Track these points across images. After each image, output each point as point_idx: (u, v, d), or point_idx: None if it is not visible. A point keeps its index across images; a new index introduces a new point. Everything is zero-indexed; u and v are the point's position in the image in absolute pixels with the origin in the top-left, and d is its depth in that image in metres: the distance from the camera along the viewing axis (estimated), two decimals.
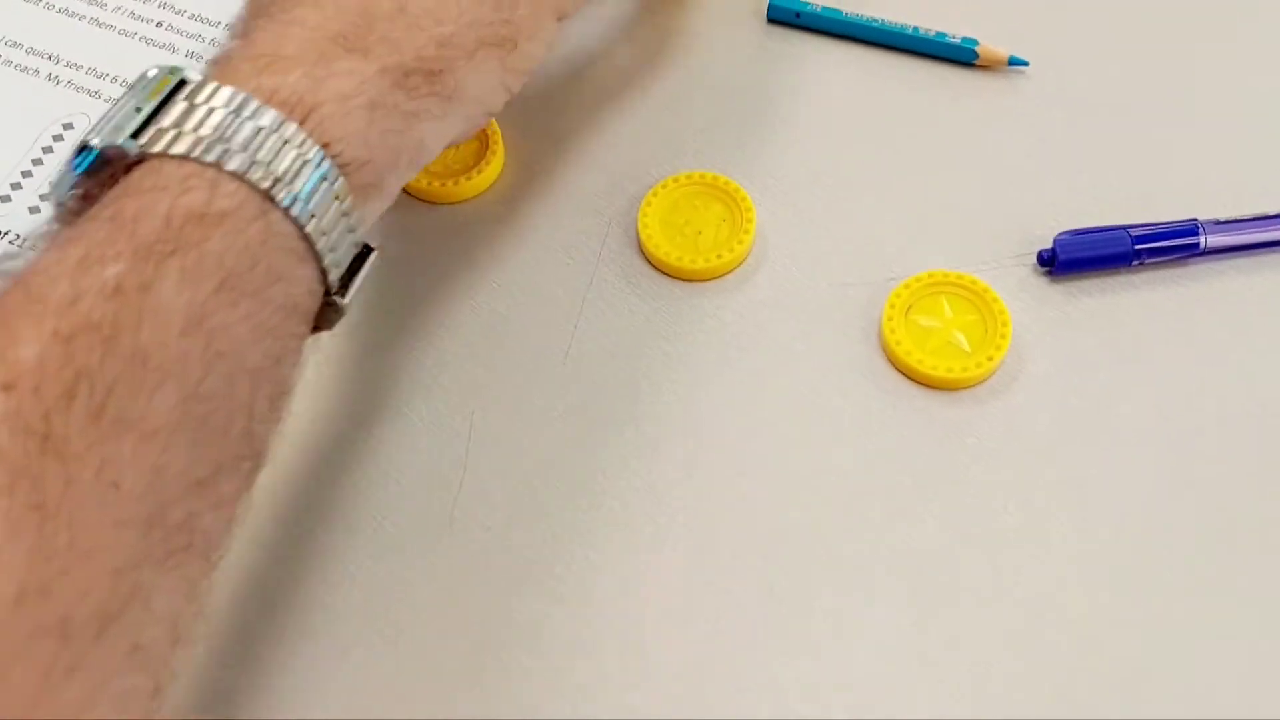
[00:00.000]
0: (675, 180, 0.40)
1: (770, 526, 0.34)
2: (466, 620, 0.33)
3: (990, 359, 0.35)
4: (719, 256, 0.38)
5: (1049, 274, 0.38)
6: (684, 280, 0.39)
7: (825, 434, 0.35)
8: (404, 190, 0.41)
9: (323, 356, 0.37)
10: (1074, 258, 0.38)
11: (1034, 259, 0.38)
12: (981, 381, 0.36)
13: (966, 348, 0.36)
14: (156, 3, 0.46)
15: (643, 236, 0.39)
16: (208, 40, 0.45)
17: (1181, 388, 0.36)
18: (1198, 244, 0.38)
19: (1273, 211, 0.38)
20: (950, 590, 0.33)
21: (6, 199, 0.41)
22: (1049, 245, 0.38)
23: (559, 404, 0.36)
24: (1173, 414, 0.35)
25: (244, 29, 0.29)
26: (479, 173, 0.40)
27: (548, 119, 0.42)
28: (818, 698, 0.31)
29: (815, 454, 0.35)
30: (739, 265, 0.39)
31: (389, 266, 0.38)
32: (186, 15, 0.46)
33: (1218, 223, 0.38)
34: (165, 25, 0.46)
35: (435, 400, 0.36)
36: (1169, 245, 0.38)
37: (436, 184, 0.40)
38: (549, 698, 0.31)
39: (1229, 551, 0.33)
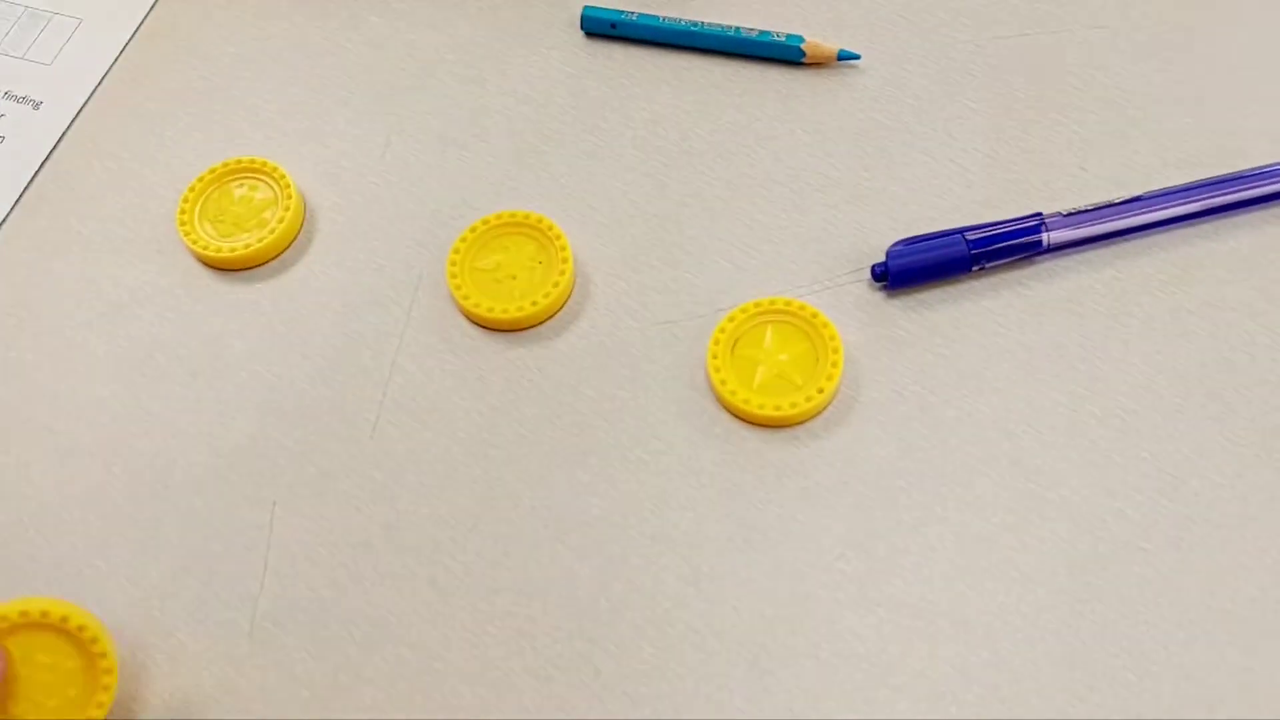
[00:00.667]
0: (485, 222, 0.37)
1: (595, 597, 0.31)
2: None
3: (821, 391, 0.33)
4: (533, 303, 0.35)
5: (884, 289, 0.36)
6: (500, 330, 0.36)
7: (653, 490, 0.33)
8: (194, 254, 0.38)
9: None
10: (907, 269, 0.35)
11: (868, 274, 0.36)
12: (815, 415, 0.33)
13: (798, 380, 0.33)
14: None
15: (452, 287, 0.36)
16: None
17: (1030, 401, 0.33)
18: (1040, 242, 0.35)
19: (1119, 199, 0.36)
20: (788, 654, 0.30)
21: None
22: (884, 258, 0.35)
23: (366, 484, 0.33)
24: (1020, 432, 0.33)
25: None
26: (272, 233, 0.37)
27: (344, 166, 0.39)
28: None
29: (643, 513, 0.32)
30: (558, 310, 0.36)
31: (185, 340, 0.36)
32: None
33: (1062, 216, 0.36)
34: None
35: (232, 491, 0.34)
36: (1009, 245, 0.35)
37: (226, 249, 0.37)
38: None
39: (1097, 574, 0.31)
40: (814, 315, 0.34)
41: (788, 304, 0.34)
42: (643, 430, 0.34)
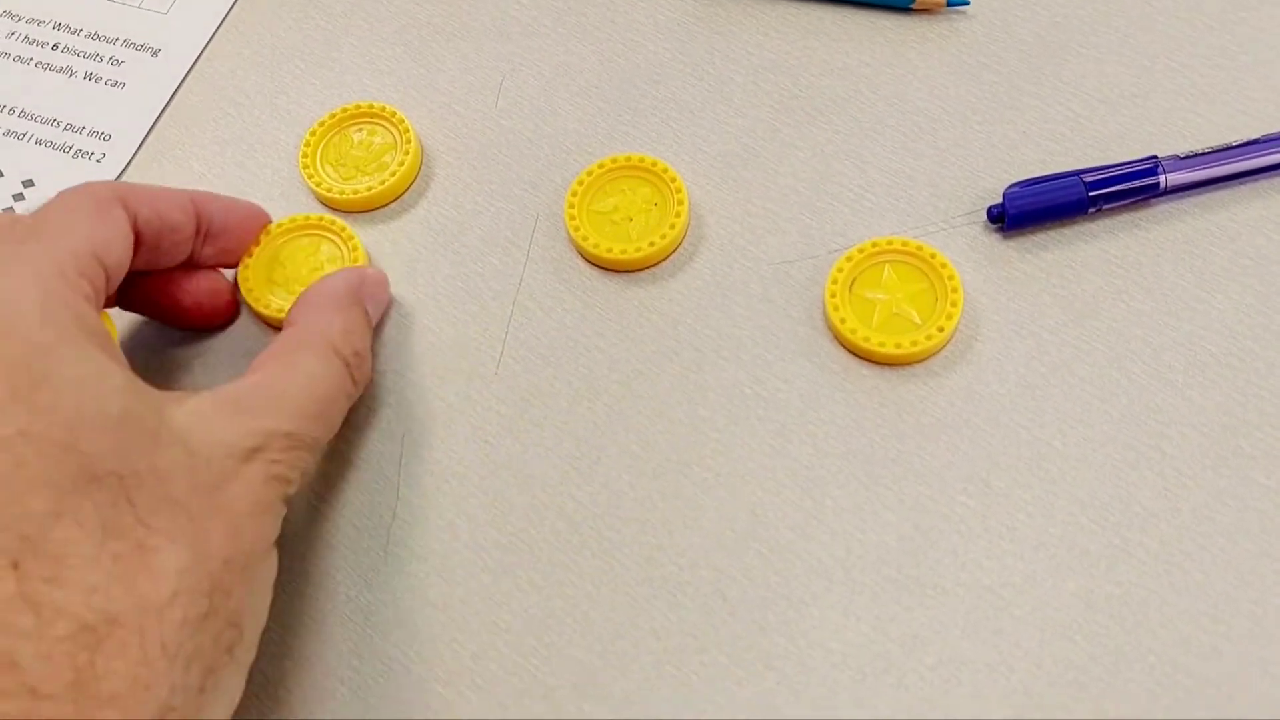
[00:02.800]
0: (601, 165, 0.37)
1: (720, 528, 0.32)
2: (408, 657, 0.31)
3: (941, 330, 0.33)
4: (651, 244, 0.36)
5: (1000, 231, 0.36)
6: (618, 271, 0.36)
7: (773, 426, 0.33)
8: (320, 201, 0.39)
9: None
10: (1024, 210, 0.35)
11: (984, 216, 0.36)
12: (934, 354, 0.34)
13: (916, 319, 0.34)
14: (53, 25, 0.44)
15: (570, 229, 0.37)
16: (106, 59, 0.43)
17: (1148, 342, 0.34)
18: (1158, 184, 0.35)
19: (1236, 141, 0.36)
20: (912, 584, 0.31)
21: None
22: (999, 200, 0.36)
23: (493, 418, 0.34)
24: (1139, 372, 0.33)
25: None
26: (393, 175, 0.38)
27: (458, 111, 0.40)
28: (775, 706, 0.30)
29: (764, 448, 0.33)
30: (674, 251, 0.37)
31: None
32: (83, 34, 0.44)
33: (1178, 159, 0.36)
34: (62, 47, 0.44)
35: (362, 424, 0.35)
36: (1127, 188, 0.35)
37: (349, 191, 0.38)
38: None
39: (1206, 520, 0.31)
40: (932, 255, 0.34)
41: (905, 244, 0.35)
42: (761, 368, 0.34)
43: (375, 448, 0.34)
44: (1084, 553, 0.31)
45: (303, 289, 0.35)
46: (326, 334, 0.32)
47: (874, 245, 0.35)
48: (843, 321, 0.34)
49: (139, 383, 0.27)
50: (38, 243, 0.28)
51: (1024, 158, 0.37)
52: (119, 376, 0.26)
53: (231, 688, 0.26)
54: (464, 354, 0.36)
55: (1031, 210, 0.35)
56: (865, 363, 0.34)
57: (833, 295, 0.34)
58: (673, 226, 0.36)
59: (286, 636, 0.32)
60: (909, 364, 0.34)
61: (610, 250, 0.36)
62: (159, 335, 0.37)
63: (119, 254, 0.30)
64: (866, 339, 0.33)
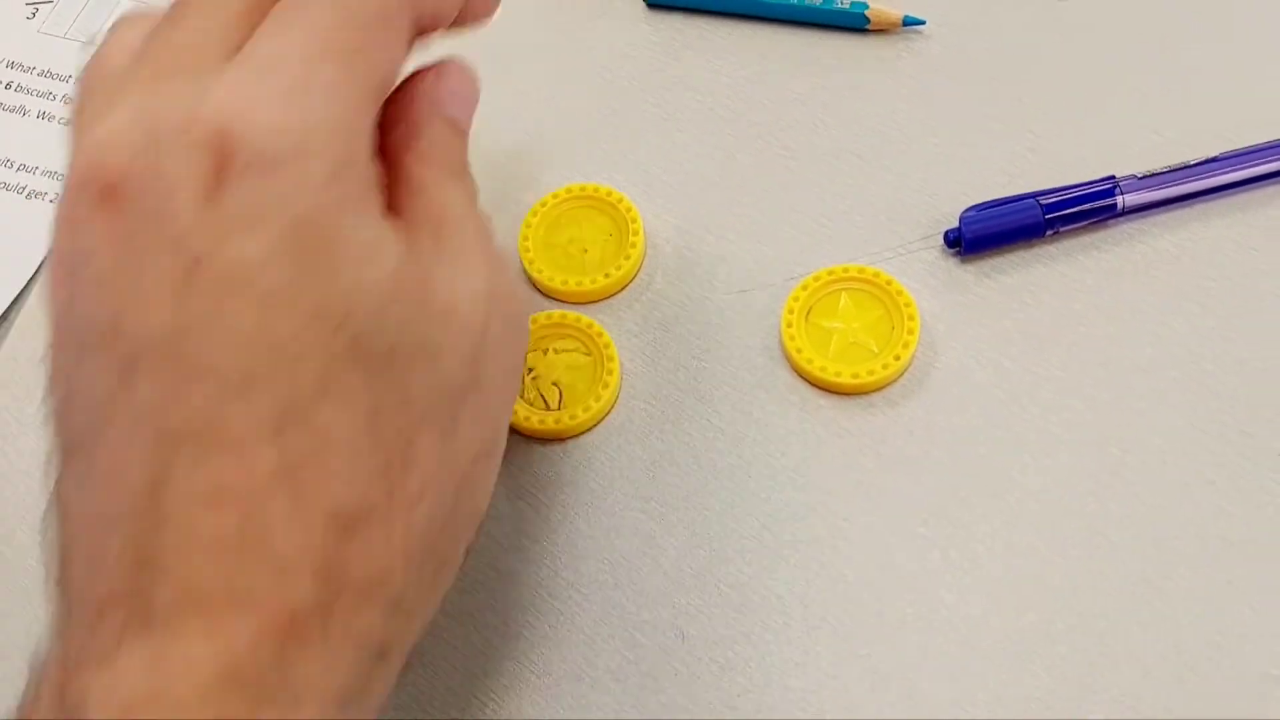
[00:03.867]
0: (555, 196, 0.37)
1: (678, 570, 0.32)
2: None
3: (898, 358, 0.33)
4: (606, 275, 0.36)
5: (958, 255, 0.36)
6: (574, 303, 0.36)
7: (731, 462, 0.33)
8: None
9: None
10: (981, 234, 0.35)
11: (941, 240, 0.36)
12: (892, 383, 0.33)
13: (874, 348, 0.33)
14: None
15: (524, 260, 0.36)
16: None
17: (1108, 366, 0.33)
18: (1115, 205, 0.35)
19: (1194, 160, 0.36)
20: (872, 619, 0.30)
21: None
22: (956, 224, 0.35)
23: None
24: (1099, 397, 0.33)
25: (94, 631, 0.21)
26: None
27: None
28: None
29: (723, 485, 0.33)
30: (630, 282, 0.36)
31: None
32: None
33: (1136, 178, 0.35)
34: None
35: None
36: (1084, 209, 0.35)
37: None
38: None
39: (1169, 548, 0.31)
40: (888, 282, 0.34)
41: (861, 270, 0.34)
42: (718, 398, 0.34)
43: None
44: (1044, 583, 0.30)
45: None
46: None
47: (830, 273, 0.35)
48: (799, 351, 0.33)
49: (412, 241, 0.24)
50: (346, 67, 0.24)
51: (982, 180, 0.37)
52: (398, 244, 0.23)
53: (451, 579, 0.26)
54: None
55: (988, 234, 0.35)
56: (823, 393, 0.34)
57: (789, 325, 0.34)
58: (628, 258, 0.36)
59: None
60: (866, 393, 0.33)
61: (566, 283, 0.36)
62: None
63: (396, 78, 0.26)
64: (823, 369, 0.33)
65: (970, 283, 0.35)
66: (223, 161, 0.21)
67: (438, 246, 0.24)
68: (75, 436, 0.22)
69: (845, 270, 0.34)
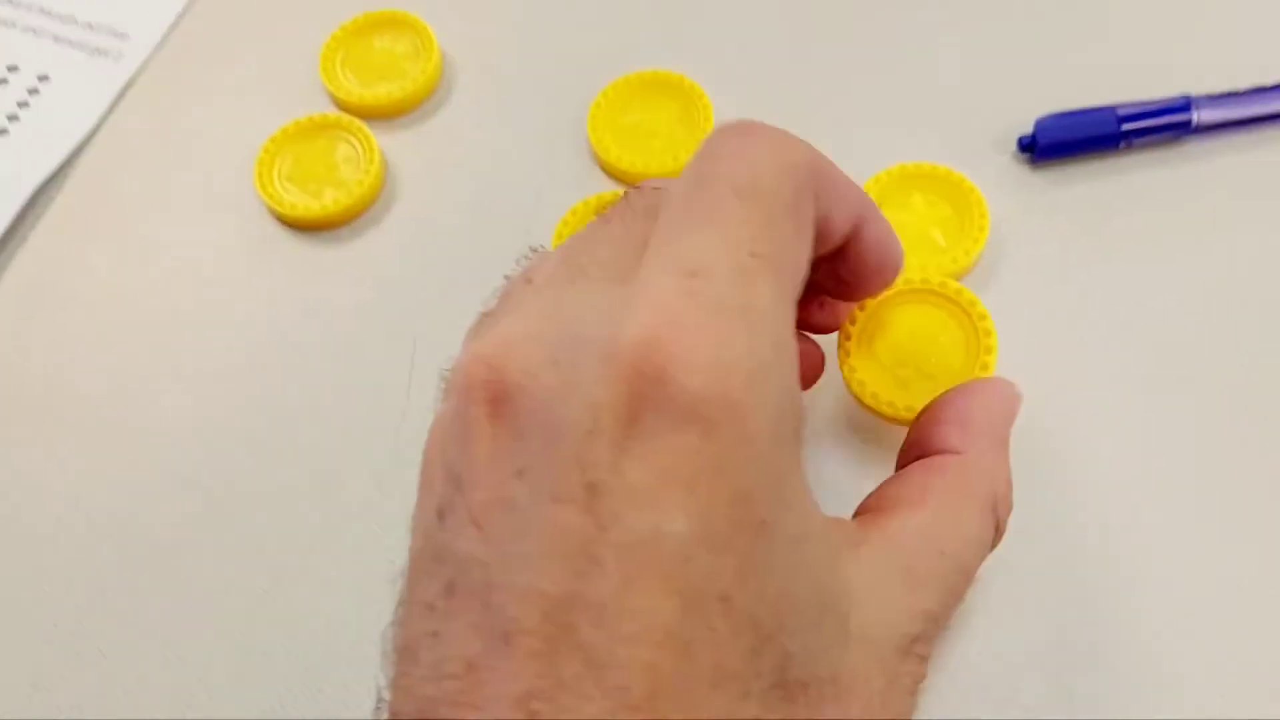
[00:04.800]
0: (626, 80, 0.37)
1: None
2: None
3: (968, 253, 0.33)
4: (675, 159, 0.35)
5: (1030, 161, 0.35)
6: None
7: None
8: (338, 105, 0.38)
9: (265, 292, 0.35)
10: (1056, 141, 0.35)
11: (1014, 146, 0.35)
12: (959, 278, 0.33)
13: (942, 243, 0.33)
14: None
15: (593, 141, 0.36)
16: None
17: (1173, 279, 0.33)
18: (1189, 121, 0.35)
19: (1270, 83, 0.35)
20: None
21: None
22: (1029, 130, 0.35)
23: None
24: (1163, 309, 0.33)
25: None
26: (414, 83, 0.38)
27: (482, 21, 0.39)
28: None
29: None
30: None
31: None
32: None
33: (1211, 97, 0.35)
34: None
35: (374, 325, 0.34)
36: (1159, 124, 0.35)
37: (369, 96, 0.37)
38: None
39: (1232, 454, 0.30)
40: (960, 180, 0.34)
41: (933, 169, 0.34)
42: None
43: (387, 348, 0.34)
44: (1096, 490, 0.30)
45: (315, 185, 0.34)
46: (993, 487, 0.24)
47: (900, 170, 0.34)
48: None
49: (828, 531, 0.20)
50: (777, 282, 0.19)
51: (1057, 90, 0.36)
52: (823, 530, 0.20)
53: None
54: (480, 262, 0.35)
55: (1062, 141, 0.35)
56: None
57: None
58: (697, 143, 0.35)
59: (296, 534, 0.31)
60: None
61: (634, 165, 0.35)
62: None
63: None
64: None
65: (1041, 188, 0.35)
66: (642, 400, 0.18)
67: (885, 565, 0.21)
68: (433, 701, 0.18)
69: (917, 167, 0.34)
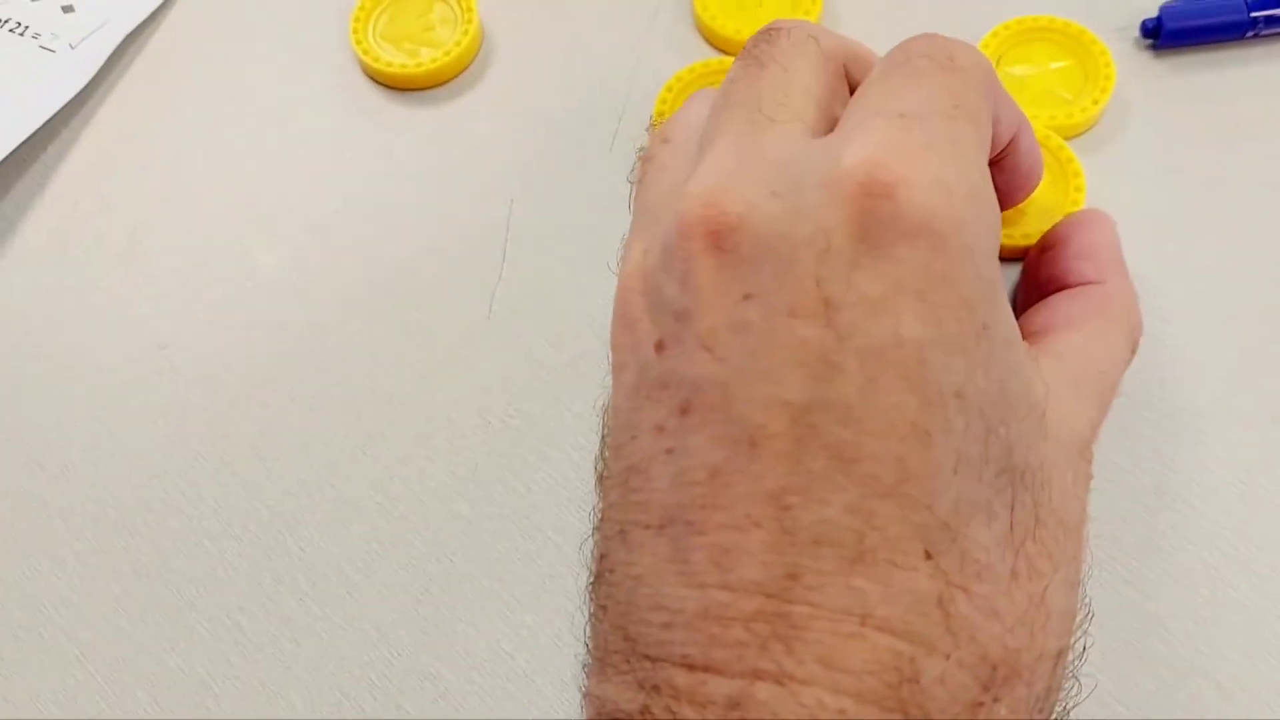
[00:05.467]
0: None
1: None
2: (507, 411, 0.30)
3: (1095, 102, 0.32)
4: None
5: (1153, 47, 0.34)
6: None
7: None
8: None
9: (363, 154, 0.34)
10: (1182, 27, 0.33)
11: (1137, 30, 0.34)
12: (1085, 131, 0.32)
13: (1066, 95, 0.32)
14: None
15: (697, 7, 0.35)
16: None
17: None
18: None
19: None
20: None
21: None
22: (1153, 14, 0.34)
23: (604, 190, 0.33)
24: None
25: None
26: None
27: None
28: None
29: None
30: None
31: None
32: None
33: None
34: None
35: (472, 186, 0.33)
36: None
37: None
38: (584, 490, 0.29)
39: None
40: (1081, 32, 0.33)
41: (1051, 20, 0.33)
42: None
43: (483, 209, 0.33)
44: (1199, 387, 0.29)
45: (410, 45, 0.34)
46: (1130, 313, 0.26)
47: (1019, 22, 0.33)
48: None
49: (1022, 340, 0.22)
50: (980, 132, 0.21)
51: None
52: (1020, 339, 0.21)
53: None
54: (578, 127, 0.34)
55: (1189, 28, 0.33)
56: None
57: None
58: (808, 12, 0.34)
59: (392, 380, 0.31)
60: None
61: (739, 31, 0.34)
62: None
63: None
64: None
65: (1164, 74, 0.33)
66: (871, 219, 0.19)
67: (1060, 376, 0.22)
68: (677, 506, 0.19)
69: (1036, 20, 0.33)
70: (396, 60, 0.35)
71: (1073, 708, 0.21)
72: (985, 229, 0.20)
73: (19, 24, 0.38)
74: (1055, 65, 0.33)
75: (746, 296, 0.19)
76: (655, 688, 0.18)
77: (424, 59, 0.35)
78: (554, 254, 0.32)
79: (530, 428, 0.30)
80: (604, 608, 0.20)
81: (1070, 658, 0.20)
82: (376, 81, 0.35)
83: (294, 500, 0.29)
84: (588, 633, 0.21)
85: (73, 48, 0.37)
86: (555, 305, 0.31)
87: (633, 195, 0.25)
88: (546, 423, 0.30)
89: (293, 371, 0.31)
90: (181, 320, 0.32)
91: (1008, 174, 0.26)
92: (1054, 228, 0.28)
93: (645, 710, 0.18)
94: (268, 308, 0.32)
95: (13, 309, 0.33)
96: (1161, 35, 0.34)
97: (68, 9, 0.38)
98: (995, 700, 0.18)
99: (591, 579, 0.21)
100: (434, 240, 0.33)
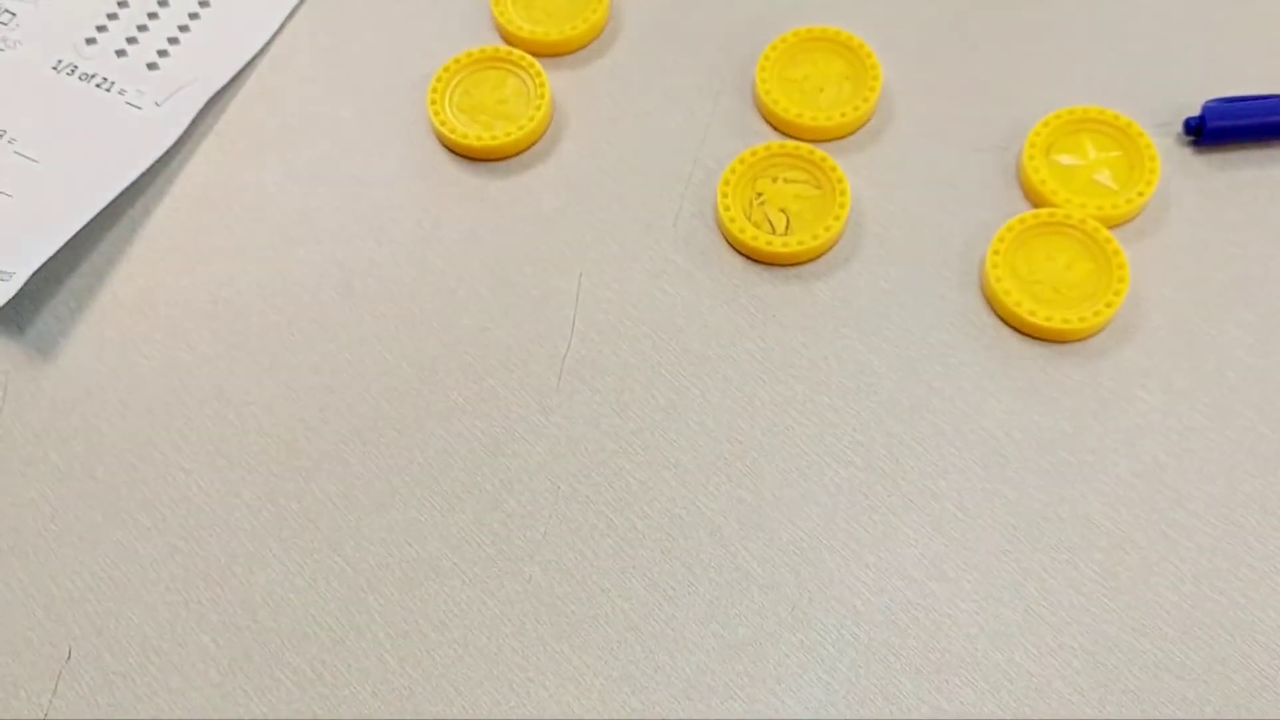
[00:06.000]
0: (795, 34, 0.37)
1: (894, 401, 0.32)
2: (574, 476, 0.32)
3: (1141, 194, 0.34)
4: (842, 114, 0.36)
5: (1194, 144, 0.36)
6: (803, 140, 0.36)
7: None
8: (505, 39, 0.39)
9: (433, 221, 0.36)
10: (1223, 126, 0.35)
11: (1179, 127, 0.36)
12: (1129, 220, 0.34)
13: (1113, 185, 0.34)
14: None
15: (760, 91, 0.37)
16: None
17: None
18: None
19: None
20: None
21: (92, 41, 0.40)
22: (1196, 113, 0.36)
23: (668, 268, 0.35)
24: None
25: None
26: (584, 22, 0.38)
27: None
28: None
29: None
30: (863, 125, 0.36)
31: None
32: None
33: None
34: None
35: (543, 259, 0.35)
36: None
37: (539, 32, 0.38)
38: (649, 557, 0.30)
39: None
40: (1129, 125, 0.35)
41: (1101, 113, 0.35)
42: (956, 236, 0.34)
43: (554, 283, 0.35)
44: (1254, 455, 0.31)
45: (485, 118, 0.35)
46: None
47: (1070, 113, 0.35)
48: (1042, 182, 0.34)
49: None
50: None
51: (1220, 76, 0.37)
52: None
53: None
54: (644, 203, 0.36)
55: (1231, 126, 0.35)
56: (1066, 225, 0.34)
57: (1030, 158, 0.35)
58: (865, 100, 0.36)
59: (465, 445, 0.32)
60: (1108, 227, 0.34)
61: (800, 116, 0.36)
62: None
63: None
64: (1067, 200, 0.34)
65: (1204, 171, 0.35)
66: None
67: None
68: None
69: (1086, 111, 0.35)
70: (472, 133, 0.36)
71: None
72: None
73: (105, 79, 0.40)
74: (1102, 155, 0.35)
75: None
76: None
77: (499, 133, 0.36)
78: (619, 327, 0.34)
79: (597, 495, 0.31)
80: None
81: None
82: (453, 152, 0.37)
83: (374, 558, 0.31)
84: None
85: (158, 105, 0.39)
86: (620, 376, 0.33)
87: None
88: (613, 491, 0.31)
89: (371, 434, 0.33)
90: (265, 379, 0.34)
91: None
92: None
93: None
94: (347, 370, 0.34)
95: (103, 363, 0.34)
96: (1204, 133, 0.35)
97: (152, 66, 0.40)
98: None
99: None
100: (506, 309, 0.34)
